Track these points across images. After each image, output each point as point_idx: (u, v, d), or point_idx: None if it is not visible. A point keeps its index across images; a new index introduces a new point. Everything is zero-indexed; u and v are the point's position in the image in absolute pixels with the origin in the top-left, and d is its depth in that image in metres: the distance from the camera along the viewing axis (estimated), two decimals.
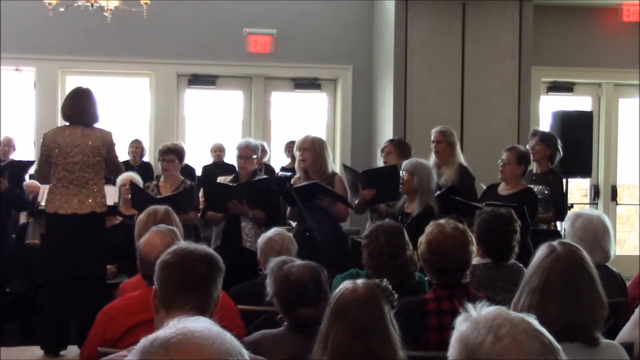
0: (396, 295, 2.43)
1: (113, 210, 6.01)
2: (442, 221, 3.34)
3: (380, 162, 6.43)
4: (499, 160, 5.61)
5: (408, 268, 3.70)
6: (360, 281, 2.41)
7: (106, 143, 5.61)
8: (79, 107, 5.59)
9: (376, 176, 5.72)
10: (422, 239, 3.32)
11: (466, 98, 8.58)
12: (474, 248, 3.31)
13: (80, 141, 5.54)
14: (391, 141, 6.25)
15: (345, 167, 6.06)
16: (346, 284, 2.40)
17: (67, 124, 5.64)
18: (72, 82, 8.88)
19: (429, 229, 3.32)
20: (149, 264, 3.03)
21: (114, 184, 6.42)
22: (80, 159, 5.53)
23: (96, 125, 5.66)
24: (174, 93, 9.60)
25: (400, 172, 5.38)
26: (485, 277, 3.90)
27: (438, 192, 5.39)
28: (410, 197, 5.36)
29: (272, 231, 4.19)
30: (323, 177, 5.58)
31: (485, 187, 5.92)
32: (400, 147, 6.14)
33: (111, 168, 5.77)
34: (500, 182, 5.67)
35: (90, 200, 5.53)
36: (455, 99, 8.56)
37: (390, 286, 2.43)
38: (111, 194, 5.98)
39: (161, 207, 4.06)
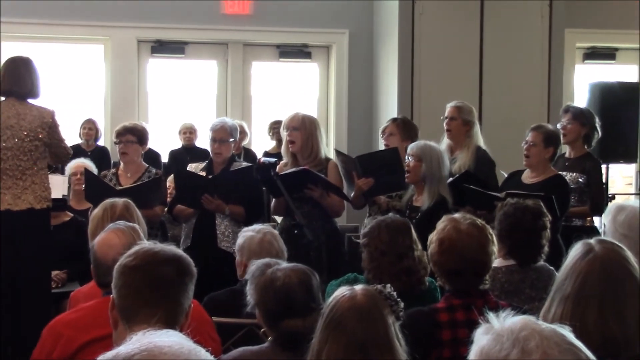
0: (402, 304, 2.44)
1: (62, 204, 5.99)
2: (457, 216, 3.35)
3: (382, 146, 6.43)
4: (523, 142, 5.62)
5: (416, 272, 3.71)
6: (359, 287, 2.42)
7: (46, 124, 5.48)
8: (14, 75, 5.46)
9: (373, 162, 5.71)
10: (432, 236, 3.34)
11: (486, 67, 8.57)
12: (495, 248, 3.32)
13: (14, 122, 5.42)
14: (393, 120, 6.23)
15: (337, 152, 6.05)
16: (342, 291, 2.41)
17: (2, 99, 5.57)
18: (10, 49, 8.82)
19: (440, 224, 3.33)
20: (106, 268, 3.03)
21: (62, 172, 6.40)
22: (13, 144, 5.42)
23: (35, 102, 5.56)
24: (134, 63, 9.56)
25: (406, 157, 5.38)
26: (509, 282, 3.92)
27: (450, 179, 5.39)
28: (419, 188, 5.36)
29: (254, 228, 4.19)
30: (314, 162, 5.59)
31: (506, 175, 5.93)
32: (404, 127, 6.12)
33: (57, 154, 5.63)
34: (524, 169, 5.67)
35: (27, 194, 5.47)
36: (473, 69, 8.56)
37: (394, 293, 2.44)
38: (59, 185, 5.96)
39: (120, 200, 4.05)
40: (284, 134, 5.72)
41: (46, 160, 5.61)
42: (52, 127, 5.52)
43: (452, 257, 3.22)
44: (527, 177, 5.61)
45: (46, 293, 5.56)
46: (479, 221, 3.33)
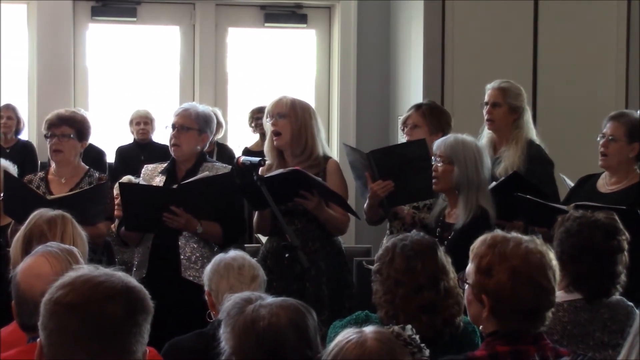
0: (427, 352, 2.45)
1: None
2: (498, 232, 3.36)
3: (403, 140, 6.43)
4: (599, 136, 5.60)
5: (446, 308, 3.72)
6: (370, 330, 2.43)
7: None
8: None
9: (392, 159, 5.69)
10: (486, 262, 3.31)
11: (542, 37, 8.58)
12: (557, 273, 3.33)
13: None
14: (417, 108, 6.19)
15: (346, 147, 6.05)
16: (348, 335, 2.43)
17: None
18: None
19: (480, 248, 3.33)
20: (32, 305, 3.04)
21: None
22: None
23: None
24: (68, 29, 9.55)
25: (433, 159, 5.37)
26: (573, 323, 3.93)
27: (493, 184, 5.40)
28: (452, 199, 5.35)
29: (230, 254, 4.22)
30: (309, 163, 5.60)
31: (569, 183, 5.90)
32: (431, 116, 6.07)
33: None
34: (600, 172, 5.65)
35: None
36: (524, 38, 8.57)
37: (417, 337, 2.45)
38: None
39: (53, 214, 4.06)
40: (267, 123, 5.71)
41: None
42: None
43: (531, 291, 3.23)
44: (605, 184, 5.56)
45: None
46: (538, 239, 3.35)
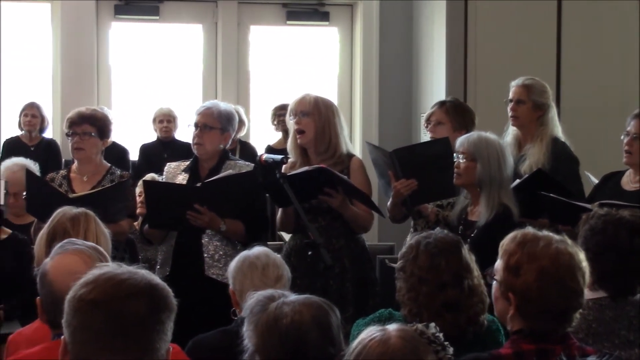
0: (451, 350, 2.44)
1: None
2: (529, 230, 3.34)
3: (426, 138, 6.41)
4: (622, 135, 5.58)
5: (470, 306, 3.71)
6: (393, 327, 2.42)
7: None
8: None
9: (415, 157, 5.69)
10: (514, 261, 3.29)
11: (565, 35, 8.55)
12: (587, 275, 3.31)
13: None
14: (440, 104, 6.19)
15: (369, 145, 6.05)
16: (372, 333, 2.42)
17: None
18: None
19: (509, 245, 3.32)
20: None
21: None
22: None
23: None
24: (91, 28, 9.59)
25: (455, 155, 5.36)
26: (598, 322, 3.91)
27: (517, 182, 5.37)
28: (474, 197, 5.34)
29: (254, 252, 4.21)
30: (333, 160, 5.59)
31: (594, 179, 5.88)
32: (455, 113, 6.08)
33: None
34: (625, 170, 5.63)
35: None
36: (548, 37, 8.54)
37: (441, 335, 2.44)
38: None
39: (76, 211, 4.07)
40: (290, 122, 5.72)
41: None
42: None
43: (559, 293, 3.21)
44: (629, 182, 5.53)
45: None
46: (569, 240, 3.33)
